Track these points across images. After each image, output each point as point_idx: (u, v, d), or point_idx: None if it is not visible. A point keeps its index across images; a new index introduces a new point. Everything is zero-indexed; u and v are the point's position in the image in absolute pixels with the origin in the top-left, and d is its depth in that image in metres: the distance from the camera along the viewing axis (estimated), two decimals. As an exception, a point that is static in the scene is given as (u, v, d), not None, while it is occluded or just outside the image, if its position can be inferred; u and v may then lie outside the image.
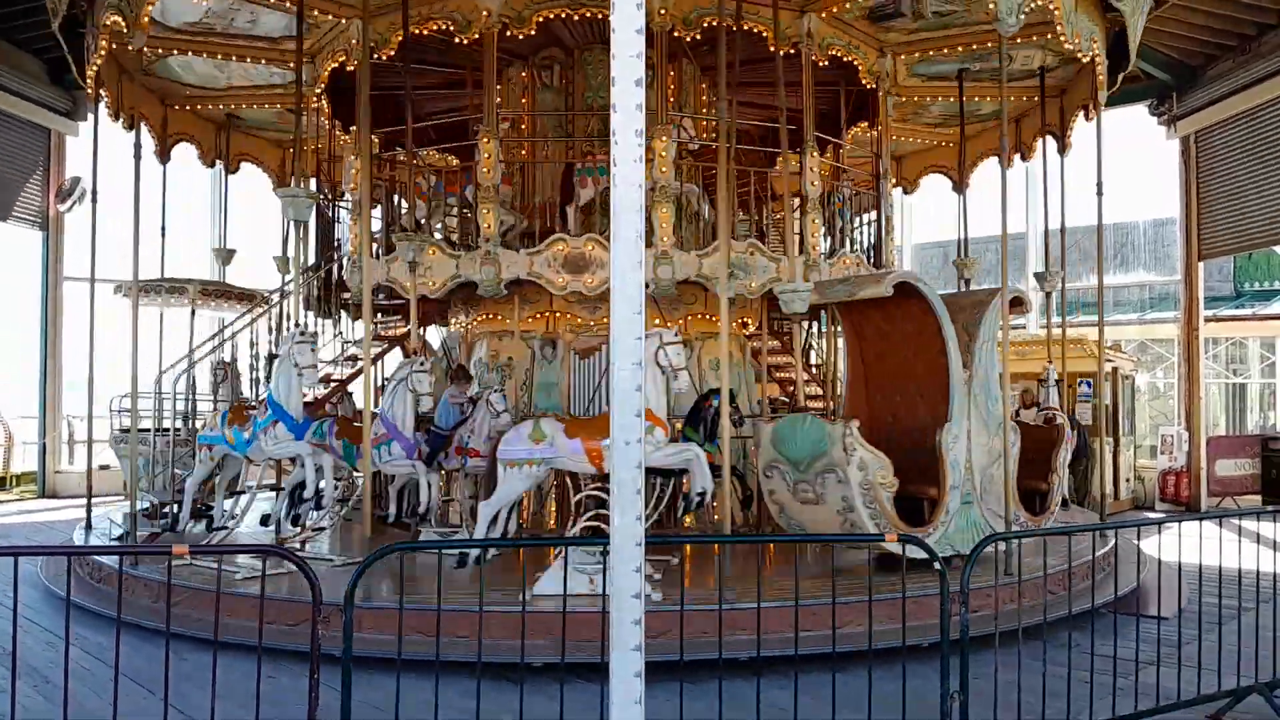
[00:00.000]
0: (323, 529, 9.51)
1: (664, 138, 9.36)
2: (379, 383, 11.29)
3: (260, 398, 11.16)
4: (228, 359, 13.02)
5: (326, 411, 10.89)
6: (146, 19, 8.48)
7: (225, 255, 14.15)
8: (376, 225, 11.08)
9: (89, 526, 10.13)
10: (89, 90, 10.32)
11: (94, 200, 9.59)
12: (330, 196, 13.14)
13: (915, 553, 5.71)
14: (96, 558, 8.72)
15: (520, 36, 9.77)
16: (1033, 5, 8.42)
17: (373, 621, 6.53)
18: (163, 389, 11.32)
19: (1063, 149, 12.31)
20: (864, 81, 10.88)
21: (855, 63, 10.56)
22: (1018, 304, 9.28)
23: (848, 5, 9.87)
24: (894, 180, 13.41)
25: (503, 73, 10.98)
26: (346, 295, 11.46)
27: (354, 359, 12.79)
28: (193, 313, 12.57)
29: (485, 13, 9.21)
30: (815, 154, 10.03)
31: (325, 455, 9.06)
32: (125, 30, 8.54)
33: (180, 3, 9.76)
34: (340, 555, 8.60)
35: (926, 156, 14.83)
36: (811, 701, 4.90)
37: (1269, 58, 14.22)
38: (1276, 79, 14.18)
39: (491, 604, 6.55)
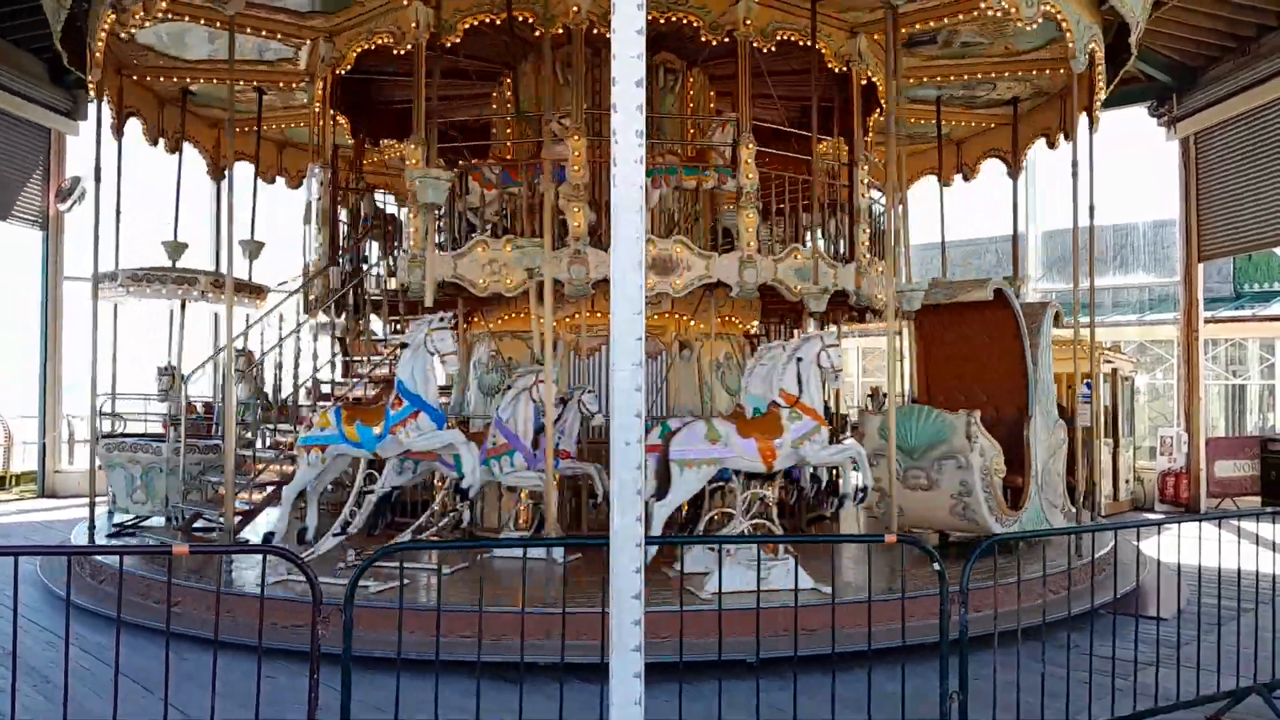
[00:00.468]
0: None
1: (750, 144, 9.46)
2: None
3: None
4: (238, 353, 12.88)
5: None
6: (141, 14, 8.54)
7: (253, 248, 12.99)
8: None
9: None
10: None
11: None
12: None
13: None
14: (96, 557, 8.73)
15: (607, 35, 9.64)
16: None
17: (371, 621, 6.54)
18: (183, 388, 11.11)
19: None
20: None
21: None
22: (1057, 317, 10.20)
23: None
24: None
25: (564, 70, 10.76)
26: (374, 292, 11.16)
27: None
28: (228, 312, 12.18)
29: (575, 8, 9.11)
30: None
31: (475, 445, 8.40)
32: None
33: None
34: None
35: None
36: (811, 702, 4.91)
37: (1269, 59, 14.22)
38: (1277, 80, 14.17)
39: (491, 604, 6.56)
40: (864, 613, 5.38)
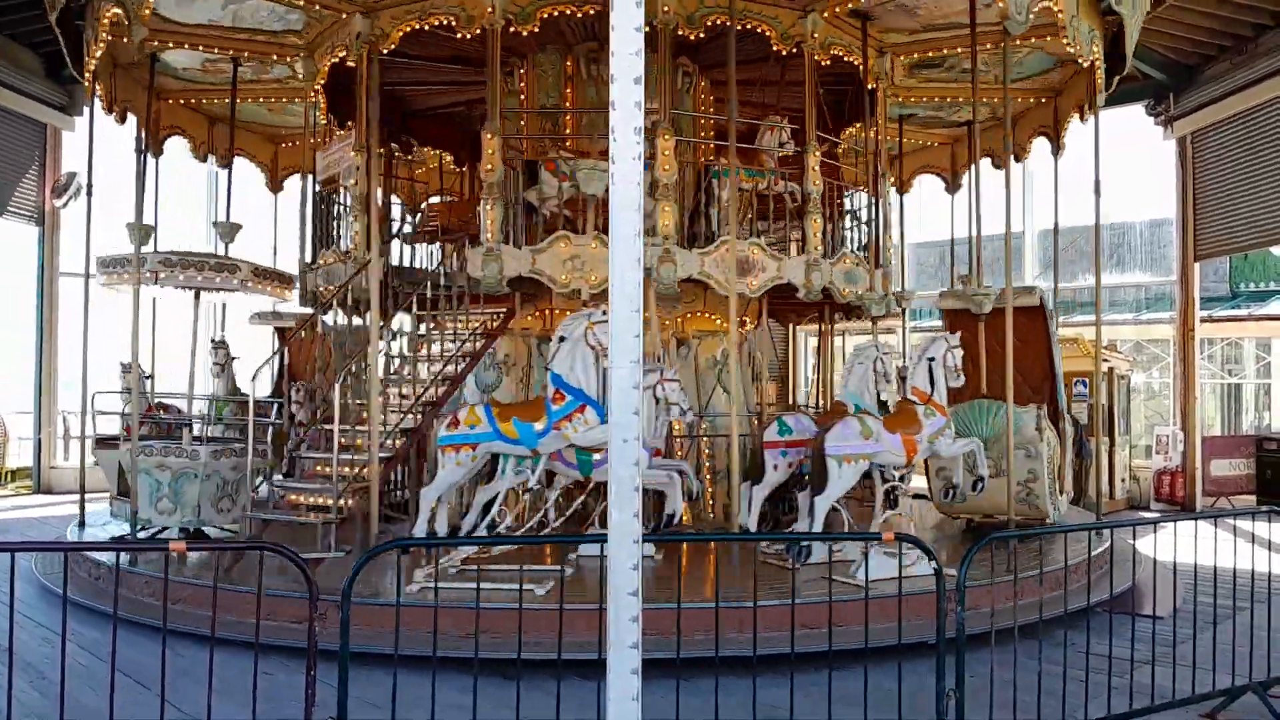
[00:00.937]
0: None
1: (816, 152, 9.86)
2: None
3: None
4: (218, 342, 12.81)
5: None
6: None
7: (227, 230, 12.42)
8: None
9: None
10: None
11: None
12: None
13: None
14: (92, 554, 8.72)
15: (693, 38, 9.77)
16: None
17: (369, 617, 6.54)
18: (147, 386, 11.02)
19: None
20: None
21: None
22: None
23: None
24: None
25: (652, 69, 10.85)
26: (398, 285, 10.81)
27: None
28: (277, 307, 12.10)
29: (665, 9, 9.14)
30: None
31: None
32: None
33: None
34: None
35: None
36: (807, 699, 4.91)
37: (1266, 58, 14.23)
38: (1273, 80, 14.18)
39: (489, 601, 6.55)
40: (861, 610, 5.39)
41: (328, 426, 9.34)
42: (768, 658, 5.45)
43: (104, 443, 10.30)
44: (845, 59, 10.41)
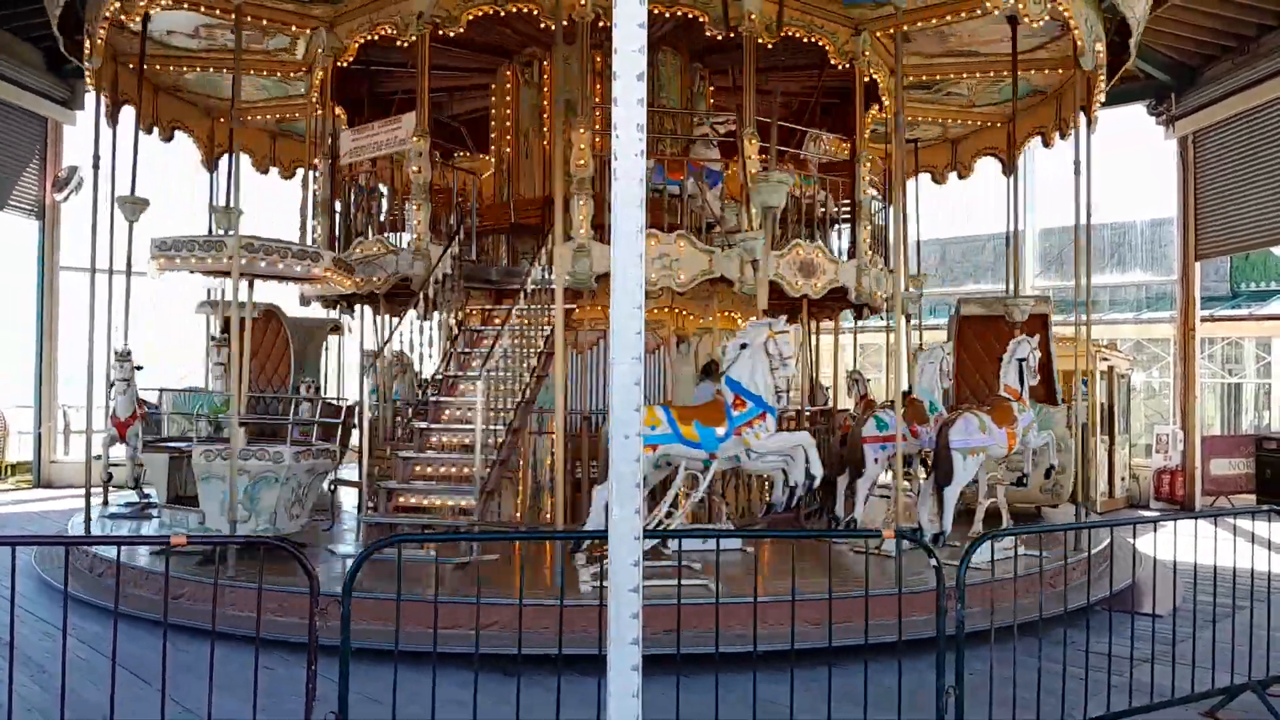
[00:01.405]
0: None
1: (865, 162, 10.33)
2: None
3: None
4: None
5: None
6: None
7: (134, 207, 10.86)
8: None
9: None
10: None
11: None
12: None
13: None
14: (93, 548, 8.72)
15: (770, 45, 9.88)
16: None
17: (370, 613, 6.54)
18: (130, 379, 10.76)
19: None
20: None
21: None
22: None
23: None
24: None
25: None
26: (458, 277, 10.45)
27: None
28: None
29: (750, 15, 9.27)
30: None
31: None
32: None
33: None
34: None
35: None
36: (807, 696, 4.92)
37: (1268, 59, 14.23)
38: (1276, 80, 14.19)
39: (489, 596, 6.56)
40: (861, 607, 5.39)
41: (421, 425, 9.10)
42: (768, 654, 5.46)
43: (155, 445, 9.46)
44: (871, 74, 10.85)
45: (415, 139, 9.74)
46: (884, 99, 11.20)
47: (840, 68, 10.54)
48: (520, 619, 5.11)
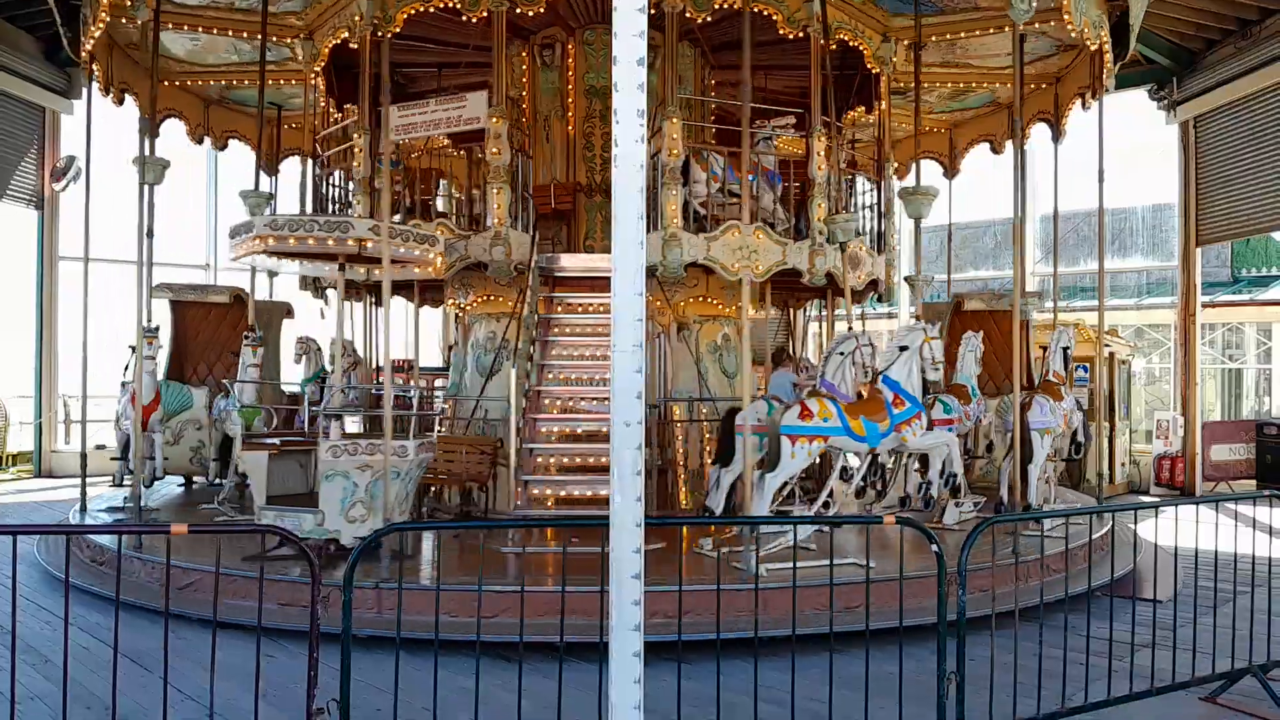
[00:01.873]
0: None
1: (821, 138, 10.04)
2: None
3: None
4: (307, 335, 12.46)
5: None
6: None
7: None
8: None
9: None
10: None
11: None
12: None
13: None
14: (94, 537, 8.73)
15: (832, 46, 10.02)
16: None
17: (372, 601, 6.56)
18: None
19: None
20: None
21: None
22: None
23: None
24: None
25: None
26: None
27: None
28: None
29: (816, 17, 9.46)
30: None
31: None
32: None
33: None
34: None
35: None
36: (809, 682, 4.92)
37: (1270, 42, 14.16)
38: (1278, 64, 14.12)
39: (490, 584, 6.57)
40: (861, 593, 5.39)
41: (543, 417, 8.98)
42: (769, 640, 5.46)
43: (254, 443, 8.62)
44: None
45: (493, 119, 9.30)
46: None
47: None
48: (522, 605, 5.11)
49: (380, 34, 9.53)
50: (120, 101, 11.31)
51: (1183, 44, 15.44)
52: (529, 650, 5.51)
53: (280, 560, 7.73)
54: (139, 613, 6.81)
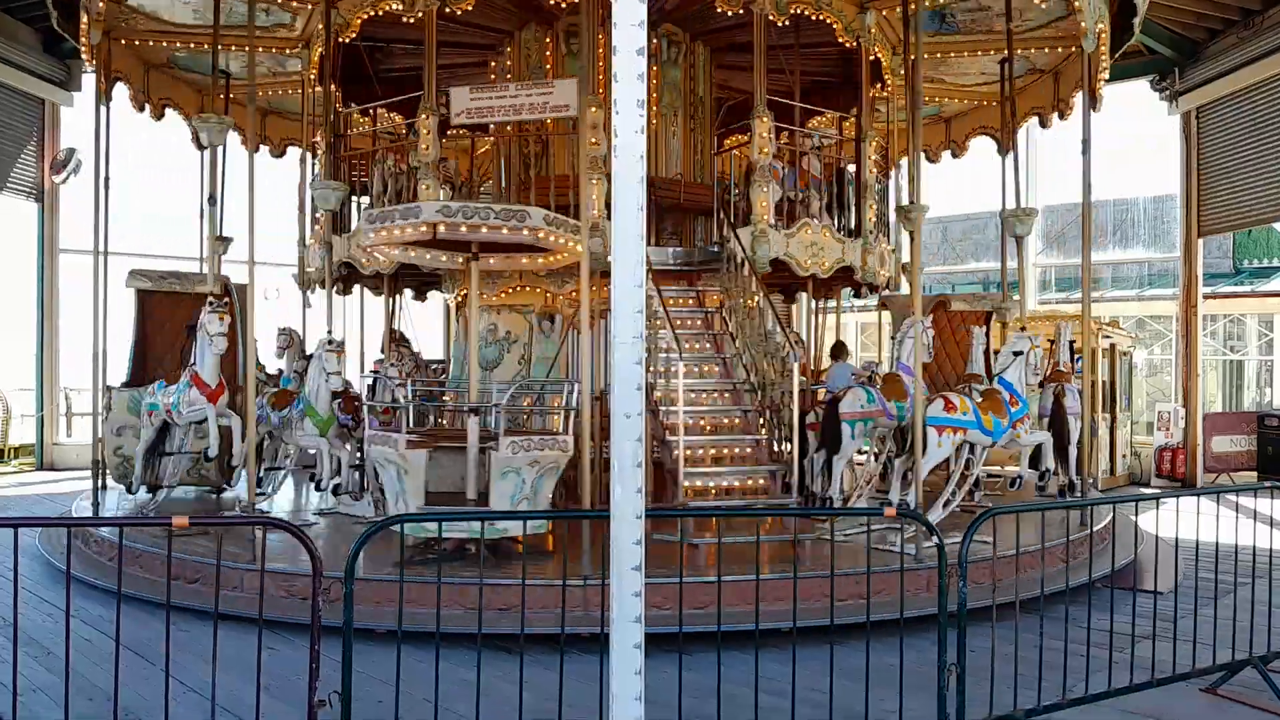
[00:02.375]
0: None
1: (874, 140, 10.81)
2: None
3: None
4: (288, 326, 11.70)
5: None
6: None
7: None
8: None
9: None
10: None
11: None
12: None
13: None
14: (97, 529, 8.73)
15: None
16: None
17: (374, 594, 6.56)
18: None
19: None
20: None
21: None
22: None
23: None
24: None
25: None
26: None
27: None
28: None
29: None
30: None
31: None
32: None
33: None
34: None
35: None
36: (809, 673, 4.92)
37: (1273, 32, 14.10)
38: (1280, 54, 14.09)
39: (491, 577, 6.58)
40: (863, 584, 5.39)
41: (694, 409, 9.03)
42: (770, 632, 5.47)
43: (415, 441, 7.84)
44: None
45: (592, 108, 8.81)
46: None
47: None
48: (523, 598, 5.11)
49: (450, 9, 9.51)
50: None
51: (1185, 34, 15.37)
52: (529, 641, 5.52)
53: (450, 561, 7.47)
54: (141, 605, 6.81)
